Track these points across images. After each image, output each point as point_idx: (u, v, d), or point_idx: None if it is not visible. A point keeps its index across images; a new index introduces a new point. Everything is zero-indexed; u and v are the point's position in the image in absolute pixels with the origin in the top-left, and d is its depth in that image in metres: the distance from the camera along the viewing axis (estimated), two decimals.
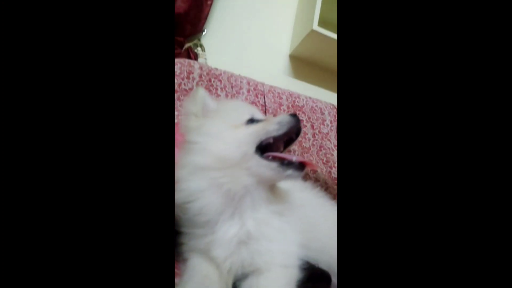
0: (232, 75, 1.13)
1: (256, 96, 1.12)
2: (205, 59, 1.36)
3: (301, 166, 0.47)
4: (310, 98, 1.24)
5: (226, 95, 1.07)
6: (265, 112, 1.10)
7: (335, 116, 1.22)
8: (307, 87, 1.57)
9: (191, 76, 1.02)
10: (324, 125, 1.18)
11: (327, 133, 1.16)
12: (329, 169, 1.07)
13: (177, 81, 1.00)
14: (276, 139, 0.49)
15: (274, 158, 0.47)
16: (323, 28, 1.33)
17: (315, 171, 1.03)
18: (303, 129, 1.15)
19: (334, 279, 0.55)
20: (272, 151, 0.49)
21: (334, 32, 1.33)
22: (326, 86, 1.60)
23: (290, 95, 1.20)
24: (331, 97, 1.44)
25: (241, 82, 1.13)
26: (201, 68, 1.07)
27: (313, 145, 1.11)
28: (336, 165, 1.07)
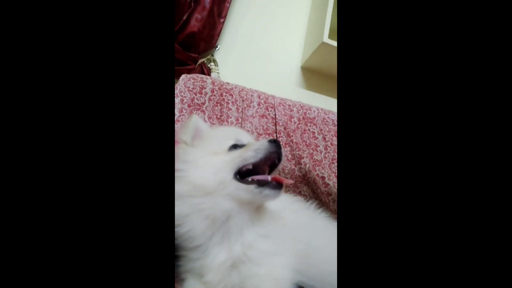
0: (243, 89, 1.15)
1: (267, 109, 1.13)
2: (218, 73, 1.40)
3: (278, 185, 0.47)
4: (322, 109, 1.23)
5: (237, 109, 1.09)
6: (275, 125, 1.11)
7: None
8: (319, 98, 1.57)
9: (203, 91, 1.06)
10: (336, 137, 1.16)
11: None
12: None
13: (190, 96, 1.03)
14: (256, 164, 0.49)
15: (252, 181, 0.48)
16: (334, 39, 1.34)
17: (326, 185, 1.00)
18: (315, 141, 1.14)
19: None
20: (257, 174, 0.49)
21: None
22: None
23: (301, 107, 1.20)
24: None
25: (252, 95, 1.14)
26: (213, 83, 1.10)
27: (325, 157, 1.09)
28: None
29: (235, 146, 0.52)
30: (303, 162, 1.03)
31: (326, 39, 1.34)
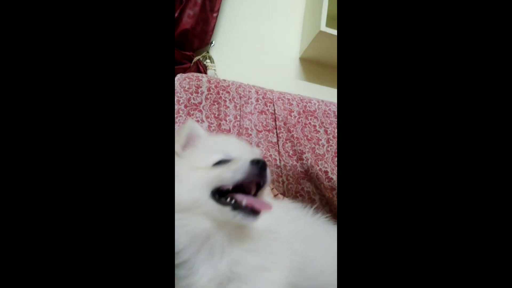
0: (240, 85, 1.12)
1: (266, 104, 1.11)
2: (215, 70, 1.37)
3: (252, 211, 0.44)
4: (322, 101, 1.19)
5: (235, 107, 1.06)
6: (275, 121, 1.08)
7: None
8: (319, 89, 1.52)
9: (199, 90, 1.04)
10: None
11: None
12: None
13: (186, 96, 1.01)
14: (238, 185, 0.46)
15: (229, 202, 0.45)
16: (332, 27, 1.29)
17: (330, 179, 0.98)
18: (316, 135, 1.11)
19: None
20: (241, 192, 0.47)
21: None
22: None
23: (301, 100, 1.17)
24: None
25: (249, 91, 1.12)
26: (209, 81, 1.08)
27: (327, 151, 1.06)
28: None
29: (220, 163, 0.49)
30: (305, 157, 1.01)
31: (323, 27, 1.29)
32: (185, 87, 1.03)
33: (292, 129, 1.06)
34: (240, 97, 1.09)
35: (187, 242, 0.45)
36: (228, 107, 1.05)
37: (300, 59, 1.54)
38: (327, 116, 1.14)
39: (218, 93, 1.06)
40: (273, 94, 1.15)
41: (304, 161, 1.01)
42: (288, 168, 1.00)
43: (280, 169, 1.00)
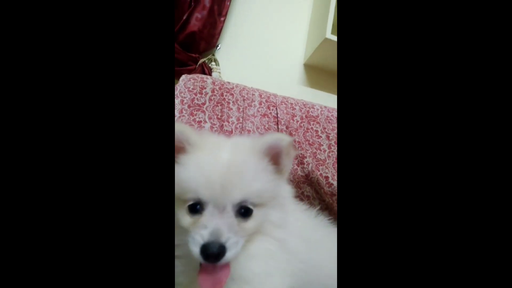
0: (244, 88, 1.13)
1: (268, 108, 1.11)
2: (219, 72, 1.39)
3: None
4: (325, 107, 1.20)
5: (238, 109, 1.07)
6: (277, 124, 1.08)
7: None
8: (323, 96, 1.53)
9: (203, 91, 1.05)
10: None
11: None
12: None
13: (190, 96, 1.02)
14: None
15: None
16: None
17: (330, 185, 0.98)
18: (318, 140, 1.11)
19: None
20: None
21: None
22: None
23: (304, 105, 1.17)
24: None
25: (253, 94, 1.13)
26: (213, 82, 1.09)
27: (328, 156, 1.06)
28: None
29: (195, 206, 0.42)
30: (306, 161, 1.01)
31: (329, 35, 1.30)
32: (189, 87, 1.04)
33: (294, 133, 1.06)
34: (244, 100, 1.10)
35: (182, 253, 0.43)
36: (231, 109, 1.06)
37: (305, 65, 1.56)
38: (329, 122, 1.14)
39: (222, 94, 1.07)
40: (277, 98, 1.15)
41: (305, 166, 1.01)
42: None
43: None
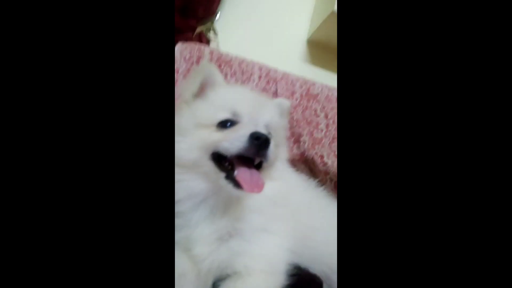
0: (243, 60, 1.08)
1: (268, 83, 1.07)
2: (217, 43, 1.32)
3: (237, 184, 0.43)
4: (326, 86, 1.16)
5: (236, 82, 1.03)
6: None
7: None
8: (326, 75, 1.48)
9: (200, 61, 1.00)
10: None
11: None
12: None
13: (186, 66, 0.98)
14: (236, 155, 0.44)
15: (225, 168, 0.44)
16: None
17: (325, 164, 0.97)
18: (317, 119, 1.09)
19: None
20: (246, 160, 0.45)
21: None
22: None
23: (305, 82, 1.13)
24: None
25: (252, 68, 1.08)
26: (211, 53, 1.03)
27: (325, 136, 1.04)
28: None
29: (226, 122, 0.46)
30: (302, 140, 1.00)
31: (336, 8, 1.22)
32: (185, 56, 0.99)
33: (292, 110, 1.04)
34: (242, 73, 1.05)
35: (185, 195, 0.45)
36: (229, 81, 1.02)
37: (308, 41, 1.48)
38: (329, 101, 1.11)
39: (219, 66, 1.02)
40: (277, 73, 1.11)
41: (301, 144, 1.00)
42: None
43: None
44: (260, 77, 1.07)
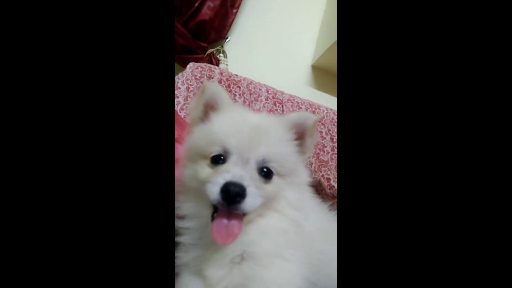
0: (251, 82, 1.11)
1: (274, 104, 1.09)
2: (227, 65, 1.37)
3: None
4: (331, 109, 1.19)
5: (244, 102, 1.05)
6: None
7: None
8: (329, 99, 1.52)
9: (210, 80, 1.02)
10: None
11: None
12: None
13: (196, 84, 1.00)
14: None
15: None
16: None
17: (332, 187, 0.96)
18: (322, 141, 1.10)
19: None
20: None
21: None
22: None
23: (310, 105, 1.16)
24: None
25: (260, 89, 1.11)
26: (221, 73, 1.06)
27: (331, 158, 1.05)
28: None
29: (218, 158, 0.43)
30: (309, 162, 0.99)
31: None
32: (196, 75, 1.02)
33: None
34: (250, 94, 1.08)
35: (191, 212, 0.44)
36: (237, 101, 1.04)
37: (312, 66, 1.55)
38: (334, 124, 1.13)
39: (228, 86, 1.05)
40: (283, 96, 1.14)
41: (308, 166, 0.99)
42: None
43: None
44: (267, 98, 1.10)
